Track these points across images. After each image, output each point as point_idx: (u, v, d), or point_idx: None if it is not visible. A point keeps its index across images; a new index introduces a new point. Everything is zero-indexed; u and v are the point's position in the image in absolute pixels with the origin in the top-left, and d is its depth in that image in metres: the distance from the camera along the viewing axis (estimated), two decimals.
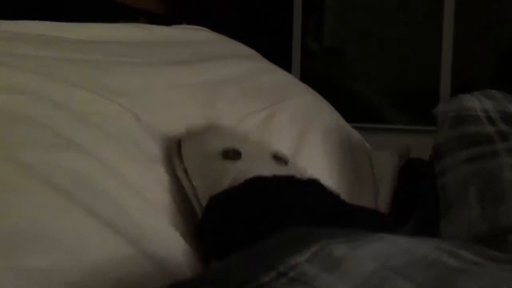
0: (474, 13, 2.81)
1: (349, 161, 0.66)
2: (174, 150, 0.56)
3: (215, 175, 0.54)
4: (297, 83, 0.80)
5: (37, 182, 0.44)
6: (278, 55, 0.96)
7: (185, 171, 0.54)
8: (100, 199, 0.47)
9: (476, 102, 0.66)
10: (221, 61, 0.73)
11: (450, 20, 2.82)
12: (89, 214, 0.45)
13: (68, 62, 0.57)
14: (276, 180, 0.55)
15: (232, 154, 0.56)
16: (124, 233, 0.46)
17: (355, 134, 0.78)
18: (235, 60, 0.76)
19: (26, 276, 0.38)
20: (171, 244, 0.49)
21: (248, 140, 0.62)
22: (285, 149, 0.62)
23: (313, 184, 0.56)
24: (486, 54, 2.75)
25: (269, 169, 0.56)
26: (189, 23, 0.93)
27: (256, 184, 0.53)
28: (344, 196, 0.59)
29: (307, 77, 0.91)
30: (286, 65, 0.93)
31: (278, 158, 0.59)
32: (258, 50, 0.97)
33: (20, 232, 0.40)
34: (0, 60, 0.52)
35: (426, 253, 0.37)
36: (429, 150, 0.93)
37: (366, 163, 0.71)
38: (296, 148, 0.62)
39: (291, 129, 0.64)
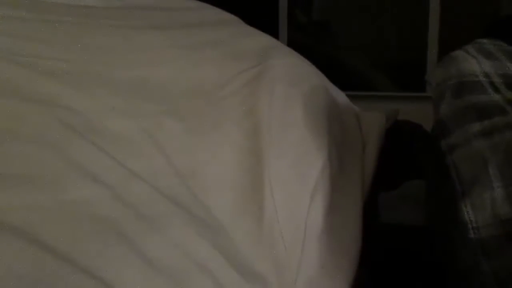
0: None
1: (336, 121, 0.65)
2: None
3: None
4: (282, 46, 0.79)
5: None
6: (264, 28, 0.94)
7: None
8: None
9: (475, 65, 0.61)
10: (201, 27, 0.72)
11: None
12: None
13: (45, 23, 0.57)
14: None
15: None
16: None
17: (342, 95, 0.78)
18: (215, 25, 0.75)
19: None
20: None
21: None
22: (274, 109, 0.61)
23: None
24: (472, 22, 2.74)
25: None
26: None
27: None
28: (332, 157, 0.59)
29: (295, 50, 0.90)
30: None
31: None
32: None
33: None
34: None
35: None
36: (418, 115, 0.93)
37: (353, 123, 0.71)
38: (283, 107, 0.62)
39: (278, 88, 0.63)
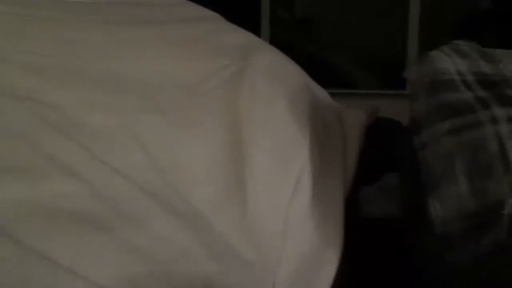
0: None
1: (317, 118, 0.66)
2: None
3: None
4: (263, 43, 0.80)
5: None
6: (246, 26, 0.94)
7: None
8: None
9: (449, 63, 0.63)
10: (182, 23, 0.73)
11: None
12: None
13: (23, 17, 0.57)
14: None
15: None
16: None
17: (323, 93, 0.79)
18: (196, 21, 0.75)
19: None
20: None
21: None
22: (255, 104, 0.61)
23: None
24: (452, 20, 2.78)
25: None
26: None
27: None
28: (314, 152, 0.60)
29: (277, 47, 0.91)
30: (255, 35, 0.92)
31: None
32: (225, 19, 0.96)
33: None
34: None
35: None
36: (399, 112, 0.94)
37: (335, 120, 0.72)
38: (265, 103, 0.62)
39: (260, 83, 0.64)
